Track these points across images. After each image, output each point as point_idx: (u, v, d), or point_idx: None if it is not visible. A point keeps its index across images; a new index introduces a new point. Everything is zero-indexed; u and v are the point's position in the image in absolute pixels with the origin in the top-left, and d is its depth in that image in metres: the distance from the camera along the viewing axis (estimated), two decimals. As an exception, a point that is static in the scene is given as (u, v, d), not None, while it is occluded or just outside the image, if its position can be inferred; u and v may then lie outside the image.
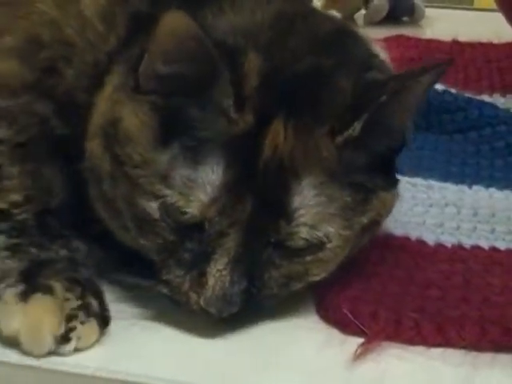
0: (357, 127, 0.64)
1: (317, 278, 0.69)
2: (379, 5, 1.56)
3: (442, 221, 0.82)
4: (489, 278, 0.74)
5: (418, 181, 0.89)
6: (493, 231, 0.82)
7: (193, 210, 0.64)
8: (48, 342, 0.63)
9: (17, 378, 0.65)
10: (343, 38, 0.71)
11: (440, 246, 0.80)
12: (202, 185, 0.64)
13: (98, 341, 0.66)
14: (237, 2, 0.70)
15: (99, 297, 0.68)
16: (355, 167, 0.67)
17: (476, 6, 1.75)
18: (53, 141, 0.72)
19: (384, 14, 1.57)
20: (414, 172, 0.89)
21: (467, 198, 0.87)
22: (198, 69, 0.63)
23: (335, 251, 0.68)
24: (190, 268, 0.66)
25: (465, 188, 0.83)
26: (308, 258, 0.67)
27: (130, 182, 0.66)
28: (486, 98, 1.10)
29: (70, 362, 0.65)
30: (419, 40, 1.36)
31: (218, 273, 0.65)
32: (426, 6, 1.62)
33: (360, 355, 0.66)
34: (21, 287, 0.65)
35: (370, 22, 1.55)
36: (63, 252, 0.69)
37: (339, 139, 0.65)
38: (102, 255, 0.72)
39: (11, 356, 0.65)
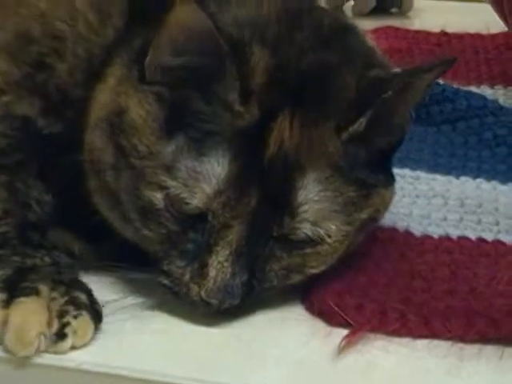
0: (362, 123, 0.65)
1: (315, 271, 0.70)
2: (368, -4, 1.55)
3: (429, 212, 0.82)
4: (475, 269, 0.74)
5: (406, 172, 0.89)
6: (479, 222, 0.82)
7: (197, 201, 0.65)
8: (33, 342, 0.63)
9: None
10: (347, 35, 0.71)
11: (427, 237, 0.79)
12: (206, 177, 0.64)
13: (93, 336, 0.66)
14: None
15: (87, 291, 0.68)
16: (358, 163, 0.67)
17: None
18: (35, 143, 0.71)
19: (372, 5, 1.57)
20: (402, 163, 0.88)
21: (454, 189, 0.86)
22: (207, 62, 0.64)
23: (334, 246, 0.68)
24: (191, 259, 0.66)
25: (452, 179, 0.83)
26: (307, 251, 0.68)
27: (135, 172, 0.66)
28: (473, 89, 1.10)
29: (62, 357, 0.65)
30: (407, 31, 1.35)
31: (220, 264, 0.65)
32: (415, -2, 1.62)
33: (345, 347, 0.66)
34: (3, 295, 0.65)
35: (359, 14, 1.54)
36: (47, 259, 0.69)
37: (345, 135, 0.66)
38: (93, 252, 0.72)
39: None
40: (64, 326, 0.64)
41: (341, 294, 0.70)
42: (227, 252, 0.65)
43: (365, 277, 0.72)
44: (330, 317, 0.69)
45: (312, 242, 0.67)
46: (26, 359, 0.64)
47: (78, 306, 0.65)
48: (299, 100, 0.65)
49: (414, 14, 1.59)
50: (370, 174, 0.68)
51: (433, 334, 0.67)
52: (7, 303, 0.64)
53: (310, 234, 0.66)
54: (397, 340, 0.67)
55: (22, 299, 0.64)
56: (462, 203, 0.85)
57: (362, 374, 0.64)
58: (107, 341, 0.66)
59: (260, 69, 0.65)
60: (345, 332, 0.67)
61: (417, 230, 0.80)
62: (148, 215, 0.66)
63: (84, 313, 0.65)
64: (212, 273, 0.65)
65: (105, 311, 0.68)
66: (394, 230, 0.80)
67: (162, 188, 0.65)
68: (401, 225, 0.80)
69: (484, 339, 0.67)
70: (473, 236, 0.80)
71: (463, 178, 0.89)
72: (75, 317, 0.65)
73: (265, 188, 0.65)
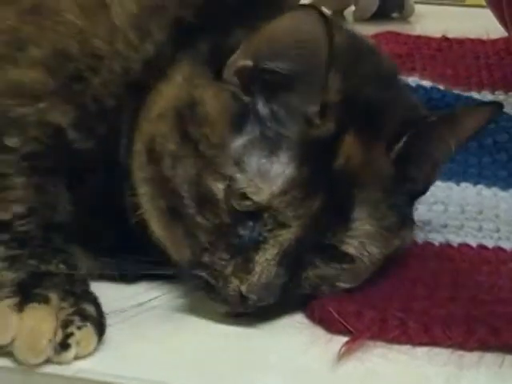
0: (405, 141, 0.69)
1: (345, 287, 0.71)
2: (369, 1, 1.55)
3: (430, 218, 0.82)
4: (476, 277, 0.74)
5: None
6: (480, 229, 0.82)
7: (260, 197, 0.67)
8: (45, 350, 0.63)
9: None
10: (398, 78, 0.77)
11: (428, 244, 0.79)
12: (274, 175, 0.66)
13: (95, 347, 0.66)
14: None
15: (95, 304, 0.68)
16: (400, 190, 0.71)
17: (468, 2, 1.74)
18: (65, 154, 0.72)
19: (373, 10, 1.57)
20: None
21: (455, 195, 0.86)
22: (300, 69, 0.66)
23: (369, 266, 0.71)
24: (235, 254, 0.67)
25: (452, 185, 0.83)
26: (345, 266, 0.70)
27: (202, 160, 0.68)
28: (474, 94, 1.10)
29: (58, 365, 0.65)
30: (408, 36, 1.36)
31: (266, 262, 0.67)
32: (416, 3, 1.62)
33: (345, 354, 0.66)
34: (16, 298, 0.65)
35: (360, 19, 1.54)
36: (62, 266, 0.69)
37: (392, 154, 0.69)
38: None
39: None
40: (68, 336, 0.64)
41: (341, 301, 0.70)
42: (275, 251, 0.67)
43: (365, 284, 0.72)
44: (330, 324, 0.68)
45: (352, 258, 0.69)
46: (28, 367, 0.64)
47: (85, 317, 0.65)
48: (361, 122, 0.69)
49: (415, 19, 1.59)
50: (406, 204, 0.72)
51: (433, 342, 0.67)
52: (20, 307, 0.64)
53: (354, 251, 0.69)
54: (397, 347, 0.67)
55: (33, 305, 0.64)
56: (462, 210, 0.85)
57: (362, 382, 0.64)
58: (106, 349, 0.66)
59: (334, 90, 0.68)
60: (345, 339, 0.67)
61: (418, 237, 0.79)
62: (205, 203, 0.68)
63: (89, 324, 0.65)
64: (258, 268, 0.66)
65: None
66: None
67: (226, 179, 0.67)
68: (402, 232, 0.80)
69: (484, 347, 0.66)
70: (474, 243, 0.80)
71: (464, 185, 0.89)
72: (79, 328, 0.65)
73: (328, 196, 0.67)
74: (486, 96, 1.11)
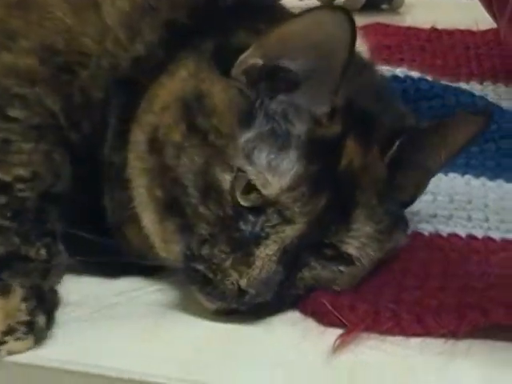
0: (398, 146, 0.71)
1: (338, 289, 0.71)
2: (358, -8, 1.56)
3: (419, 209, 0.82)
4: (466, 266, 0.75)
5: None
6: (469, 219, 0.82)
7: (269, 191, 0.67)
8: None
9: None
10: (389, 90, 0.80)
11: (417, 235, 0.80)
12: (283, 170, 0.67)
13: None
14: None
15: (50, 314, 0.67)
16: (393, 196, 0.72)
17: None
18: (61, 137, 0.73)
19: (363, 1, 1.57)
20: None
21: (443, 185, 0.87)
22: (318, 70, 0.67)
23: (364, 269, 0.71)
24: (236, 247, 0.68)
25: (441, 175, 0.83)
26: (341, 268, 0.71)
27: (211, 150, 0.69)
28: (463, 85, 1.10)
29: (33, 355, 0.65)
30: (397, 28, 1.36)
31: (267, 257, 0.67)
32: (406, -6, 1.62)
33: (339, 346, 0.66)
34: None
35: (350, 10, 1.54)
36: (43, 253, 0.69)
37: (386, 158, 0.71)
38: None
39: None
40: (1, 343, 0.64)
41: (334, 294, 0.70)
42: (276, 247, 0.67)
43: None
44: (323, 317, 0.69)
45: (351, 260, 0.70)
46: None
47: (31, 330, 0.65)
48: (359, 127, 0.70)
49: (404, 10, 1.59)
50: (398, 208, 0.74)
51: (425, 332, 0.67)
52: None
53: (354, 252, 0.70)
54: (390, 339, 0.67)
55: None
56: (451, 199, 0.85)
57: (355, 374, 0.65)
58: (88, 340, 0.67)
59: (340, 94, 0.69)
60: (337, 332, 0.67)
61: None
62: (210, 193, 0.68)
63: (30, 337, 0.65)
64: (258, 263, 0.67)
65: (87, 311, 0.68)
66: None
67: (234, 171, 0.68)
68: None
69: (476, 330, 0.67)
70: (463, 233, 0.80)
71: (452, 175, 0.89)
72: (18, 339, 0.65)
73: (333, 195, 0.68)
74: (474, 87, 1.11)
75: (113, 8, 0.75)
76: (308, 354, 0.66)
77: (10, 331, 0.65)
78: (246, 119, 0.69)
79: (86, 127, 0.73)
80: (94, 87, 0.73)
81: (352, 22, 0.65)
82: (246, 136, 0.68)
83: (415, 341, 0.67)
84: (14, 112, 0.72)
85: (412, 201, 0.77)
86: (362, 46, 1.24)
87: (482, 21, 1.28)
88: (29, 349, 0.65)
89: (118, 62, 0.74)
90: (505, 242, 0.79)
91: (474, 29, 1.32)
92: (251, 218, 0.68)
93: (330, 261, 0.70)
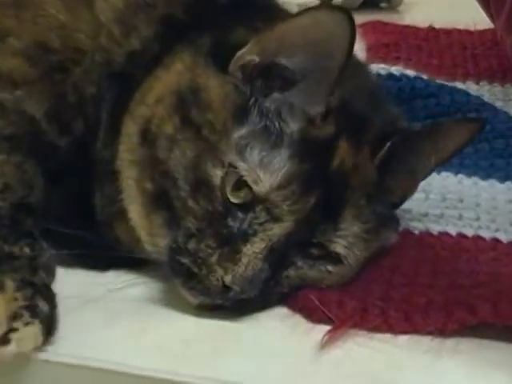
0: (388, 148, 0.71)
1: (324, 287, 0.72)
2: (358, -10, 1.55)
3: (411, 207, 0.82)
4: (455, 264, 0.75)
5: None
6: (460, 217, 0.82)
7: (259, 188, 0.67)
8: None
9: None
10: (382, 92, 0.80)
11: (408, 233, 0.80)
12: (275, 168, 0.68)
13: (38, 347, 0.65)
14: None
15: (51, 301, 0.67)
16: (381, 197, 0.72)
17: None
18: (39, 144, 0.73)
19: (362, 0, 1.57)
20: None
21: (435, 184, 0.87)
22: (315, 70, 0.68)
23: (351, 269, 0.72)
24: (223, 243, 0.68)
25: (433, 174, 0.83)
26: (329, 268, 0.71)
27: (203, 145, 0.69)
28: (459, 84, 1.10)
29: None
30: (395, 26, 1.36)
31: (254, 255, 0.67)
32: (405, -8, 1.62)
33: (327, 342, 0.66)
34: None
35: (349, 8, 1.52)
36: (27, 250, 0.68)
37: (376, 160, 0.71)
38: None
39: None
40: (11, 330, 0.63)
41: (322, 290, 0.70)
42: (263, 245, 0.67)
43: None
44: (311, 313, 0.69)
45: (339, 259, 0.70)
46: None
47: (35, 314, 0.64)
48: (351, 128, 0.71)
49: (403, 8, 1.59)
50: (386, 209, 0.74)
51: (413, 330, 0.68)
52: None
53: (342, 250, 0.70)
54: (378, 336, 0.68)
55: None
56: (443, 198, 0.85)
57: (342, 370, 0.65)
58: (76, 333, 0.66)
59: (335, 95, 0.69)
60: (326, 328, 0.67)
61: (399, 226, 0.80)
62: (200, 188, 0.68)
63: (37, 322, 0.64)
64: (245, 260, 0.67)
65: (74, 304, 0.68)
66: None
67: (225, 166, 0.68)
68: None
69: (464, 327, 0.67)
70: (453, 232, 0.80)
71: (444, 174, 0.89)
72: (26, 324, 0.64)
73: (322, 194, 0.68)
74: (471, 86, 1.11)
75: (106, 4, 0.75)
76: (296, 349, 0.67)
77: (15, 317, 0.63)
78: (240, 115, 0.69)
79: (78, 128, 0.73)
80: (87, 82, 0.73)
81: (352, 23, 0.65)
82: (240, 132, 0.68)
83: (403, 338, 0.68)
84: None
85: (401, 202, 0.77)
86: (359, 44, 1.25)
87: (481, 20, 1.28)
88: (39, 337, 0.64)
89: (113, 57, 0.74)
90: (494, 241, 0.79)
91: (472, 28, 1.32)
92: (240, 214, 0.68)
93: (317, 260, 0.70)
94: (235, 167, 0.68)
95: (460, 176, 0.89)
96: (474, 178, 0.89)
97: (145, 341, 0.67)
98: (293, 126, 0.69)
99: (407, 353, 0.66)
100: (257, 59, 0.69)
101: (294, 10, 0.83)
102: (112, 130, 0.73)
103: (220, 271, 0.67)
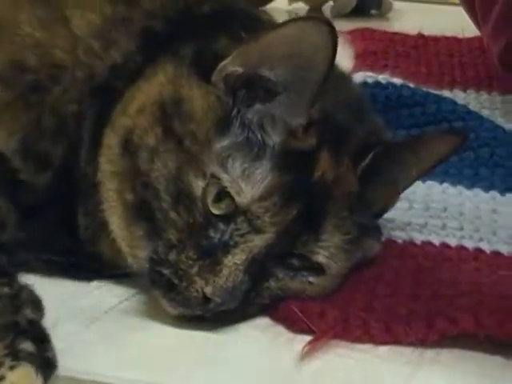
0: (371, 158, 0.71)
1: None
2: (347, -3, 1.56)
3: (394, 216, 0.82)
4: (438, 274, 0.74)
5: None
6: (444, 227, 0.82)
7: (241, 199, 0.67)
8: None
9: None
10: (365, 103, 0.79)
11: (391, 242, 0.80)
12: (257, 179, 0.68)
13: None
14: None
15: (40, 338, 0.65)
16: (363, 208, 0.73)
17: (451, 0, 1.74)
18: (12, 182, 0.72)
19: (352, 6, 1.57)
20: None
21: (420, 193, 0.87)
22: (297, 81, 0.67)
23: (333, 280, 0.72)
24: (204, 254, 0.67)
25: (418, 183, 0.83)
26: (310, 279, 0.71)
27: (185, 156, 0.68)
28: (446, 92, 1.11)
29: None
30: (384, 33, 1.36)
31: (234, 266, 0.67)
32: (395, 0, 1.62)
33: (307, 353, 0.66)
34: None
35: (338, 15, 1.54)
36: (6, 290, 0.67)
37: (359, 169, 0.71)
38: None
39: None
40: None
41: (304, 300, 0.70)
42: (244, 257, 0.67)
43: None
44: (292, 323, 0.69)
45: (321, 269, 0.70)
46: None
47: (18, 357, 0.62)
48: (333, 140, 0.70)
49: (393, 15, 1.60)
50: (368, 219, 0.74)
51: (394, 340, 0.67)
52: None
53: (324, 260, 0.70)
54: (359, 347, 0.67)
55: None
56: (427, 207, 0.85)
57: (321, 380, 0.65)
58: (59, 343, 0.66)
59: (316, 107, 0.69)
60: (307, 339, 0.67)
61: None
62: (181, 199, 0.68)
63: (24, 363, 0.62)
64: (225, 271, 0.66)
65: (54, 317, 0.67)
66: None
67: (207, 178, 0.68)
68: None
69: (444, 338, 0.67)
70: (437, 241, 0.80)
71: (429, 182, 0.89)
72: (11, 368, 0.62)
73: (304, 206, 0.68)
74: (458, 94, 1.11)
75: (82, 21, 0.75)
76: (277, 359, 0.66)
77: None
78: (222, 126, 0.69)
79: (57, 156, 0.72)
80: (67, 101, 0.73)
81: (334, 35, 0.65)
82: (222, 143, 0.68)
83: (383, 349, 0.67)
84: None
85: (382, 213, 0.77)
86: (347, 52, 1.25)
87: (469, 28, 1.29)
88: (34, 375, 0.62)
89: (95, 71, 0.74)
90: (477, 251, 0.79)
91: (460, 36, 1.33)
92: (221, 226, 0.68)
93: (298, 271, 0.70)
94: (218, 178, 0.67)
95: (445, 185, 0.89)
96: (459, 187, 0.89)
97: (125, 353, 0.67)
98: (275, 138, 0.68)
99: (387, 363, 0.66)
100: (240, 70, 0.69)
101: (284, 16, 0.83)
102: (94, 144, 0.73)
103: (200, 282, 0.67)
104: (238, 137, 0.68)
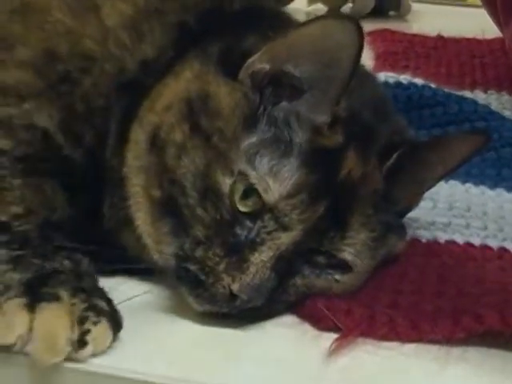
0: (396, 158, 0.72)
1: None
2: (366, -1, 1.56)
3: (419, 215, 0.83)
4: (463, 272, 0.75)
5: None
6: (468, 226, 0.83)
7: (268, 197, 0.67)
8: (63, 349, 0.63)
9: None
10: (388, 103, 0.80)
11: (415, 241, 0.80)
12: (284, 177, 0.68)
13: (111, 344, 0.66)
14: None
15: (107, 299, 0.68)
16: (388, 205, 0.73)
17: (470, 2, 1.75)
18: (57, 159, 0.73)
19: (370, 7, 1.58)
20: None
21: (443, 193, 0.87)
22: (322, 78, 0.68)
23: (359, 277, 0.72)
24: (231, 251, 0.68)
25: (441, 183, 0.83)
26: (337, 277, 0.71)
27: (213, 153, 0.69)
28: (467, 93, 1.11)
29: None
30: (404, 34, 1.37)
31: (261, 263, 0.67)
32: (413, 1, 1.63)
33: (334, 350, 0.66)
34: (24, 298, 0.64)
35: (357, 16, 1.54)
36: (67, 263, 0.69)
37: (384, 169, 0.72)
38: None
39: None
40: (84, 333, 0.64)
41: (330, 298, 0.70)
42: (271, 254, 0.67)
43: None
44: (318, 320, 0.69)
45: (345, 268, 0.71)
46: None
47: (98, 312, 0.65)
48: (359, 139, 0.71)
49: (412, 17, 1.60)
50: (393, 218, 0.74)
51: (421, 337, 0.68)
52: (30, 308, 0.63)
53: (350, 258, 0.70)
54: (385, 344, 0.68)
55: (44, 305, 0.64)
56: (450, 206, 0.86)
57: (350, 378, 0.65)
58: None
59: (342, 105, 0.69)
60: (333, 336, 0.67)
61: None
62: (209, 196, 0.68)
63: (103, 320, 0.65)
64: (252, 269, 0.67)
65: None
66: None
67: (234, 175, 0.68)
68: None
69: (470, 336, 0.67)
70: (461, 240, 0.81)
71: (452, 182, 0.89)
72: (95, 323, 0.64)
73: (330, 204, 0.68)
74: (479, 95, 1.11)
75: (113, 10, 0.74)
76: (304, 356, 0.67)
77: (82, 321, 0.64)
78: (250, 124, 0.69)
79: (88, 139, 0.73)
80: (95, 95, 0.73)
81: (360, 33, 0.65)
82: (249, 140, 0.69)
83: (409, 346, 0.68)
84: (1, 142, 0.71)
85: (406, 212, 0.78)
86: (367, 53, 1.26)
87: (489, 29, 1.29)
88: (110, 338, 0.65)
89: (124, 66, 0.74)
90: (502, 250, 0.79)
91: (480, 37, 1.33)
92: (248, 223, 0.68)
93: (324, 269, 0.70)
94: (245, 175, 0.68)
95: (467, 185, 0.90)
96: (482, 187, 0.89)
97: (149, 348, 0.67)
98: (301, 136, 0.69)
99: (414, 360, 0.66)
100: (267, 67, 0.70)
101: (303, 18, 0.83)
102: (121, 138, 0.73)
103: (227, 279, 0.67)
104: (266, 134, 0.69)
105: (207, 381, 0.64)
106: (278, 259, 0.68)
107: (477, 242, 0.80)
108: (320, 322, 0.69)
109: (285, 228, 0.68)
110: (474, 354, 0.67)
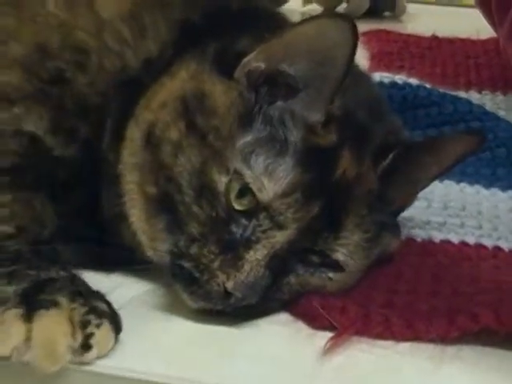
0: (391, 158, 0.72)
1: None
2: (361, -1, 1.56)
3: (413, 215, 0.83)
4: (458, 271, 0.75)
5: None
6: (462, 225, 0.83)
7: (263, 196, 0.68)
8: (63, 356, 0.62)
9: None
10: (383, 103, 0.80)
11: (410, 240, 0.80)
12: (279, 176, 0.68)
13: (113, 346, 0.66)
14: None
15: (106, 301, 0.67)
16: (382, 205, 0.73)
17: (464, 2, 1.75)
18: (47, 164, 0.72)
19: (365, 8, 1.58)
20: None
21: (438, 192, 0.87)
22: (316, 77, 0.68)
23: (352, 276, 0.72)
24: (226, 249, 0.68)
25: (436, 182, 0.83)
26: (330, 275, 0.71)
27: (209, 151, 0.69)
28: (461, 93, 1.11)
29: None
30: (398, 35, 1.37)
31: (256, 261, 0.67)
32: (408, 2, 1.63)
33: (329, 349, 0.66)
34: (21, 309, 0.63)
35: (352, 16, 1.54)
36: (62, 273, 0.68)
37: (379, 169, 0.72)
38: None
39: None
40: (88, 336, 0.64)
41: (325, 296, 0.70)
42: (265, 252, 0.68)
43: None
44: (313, 319, 0.69)
45: (338, 267, 0.71)
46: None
47: (100, 314, 0.65)
48: (354, 139, 0.71)
49: (406, 17, 1.60)
50: (387, 218, 0.74)
51: (415, 336, 0.68)
52: (27, 317, 0.63)
53: (342, 258, 0.71)
54: (380, 343, 0.68)
55: (42, 312, 0.63)
56: (445, 206, 0.86)
57: (343, 375, 0.65)
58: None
59: (336, 104, 0.69)
60: (327, 335, 0.68)
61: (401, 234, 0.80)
62: (204, 194, 0.68)
63: (105, 322, 0.65)
64: (247, 266, 0.67)
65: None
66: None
67: (230, 173, 0.68)
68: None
69: (465, 335, 0.67)
70: (455, 239, 0.81)
71: (447, 182, 0.90)
72: (97, 326, 0.64)
73: (325, 203, 0.69)
74: (473, 95, 1.12)
75: (108, 2, 0.74)
76: (297, 355, 0.67)
77: (85, 325, 0.64)
78: (245, 122, 0.69)
79: (84, 132, 0.73)
80: (90, 94, 0.72)
81: (354, 32, 0.65)
82: (245, 139, 0.69)
83: (404, 345, 0.68)
84: None
85: (399, 211, 0.78)
86: (362, 53, 1.26)
87: (483, 30, 1.29)
88: (113, 340, 0.65)
89: (126, 63, 0.73)
90: (496, 249, 0.80)
91: (475, 38, 1.33)
92: (243, 221, 0.68)
93: (318, 267, 0.71)
94: (240, 174, 0.68)
95: (462, 184, 0.90)
96: (477, 187, 0.89)
97: (144, 346, 0.67)
98: (296, 134, 0.69)
99: (409, 359, 0.66)
100: (263, 66, 0.70)
101: (298, 18, 0.83)
102: (117, 136, 0.73)
103: (222, 277, 0.67)
104: (261, 132, 0.69)
105: (202, 379, 0.64)
106: (272, 257, 0.68)
107: (472, 241, 0.81)
108: (315, 321, 0.69)
109: (280, 227, 0.68)
110: (468, 352, 0.67)
